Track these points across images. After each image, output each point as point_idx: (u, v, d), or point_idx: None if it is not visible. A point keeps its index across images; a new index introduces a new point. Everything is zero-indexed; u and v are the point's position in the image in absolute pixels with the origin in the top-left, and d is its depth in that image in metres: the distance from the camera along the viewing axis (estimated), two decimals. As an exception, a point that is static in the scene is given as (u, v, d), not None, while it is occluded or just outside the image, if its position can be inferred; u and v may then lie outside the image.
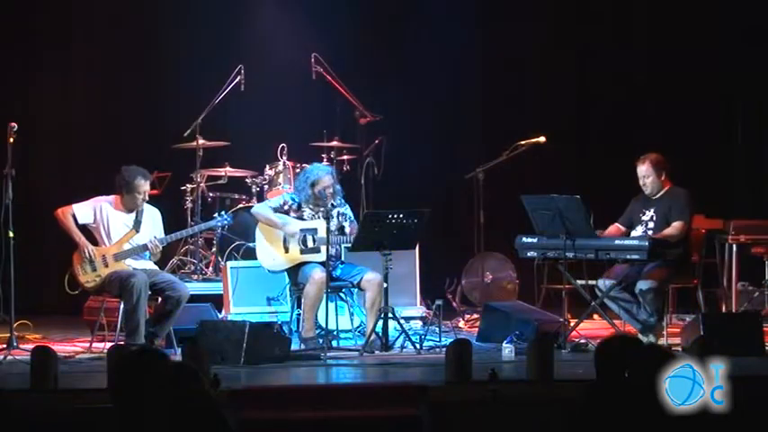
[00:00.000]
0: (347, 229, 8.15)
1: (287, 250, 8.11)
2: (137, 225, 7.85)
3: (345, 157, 9.87)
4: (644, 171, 8.13)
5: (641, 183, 8.16)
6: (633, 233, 8.12)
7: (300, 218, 8.16)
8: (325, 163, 8.96)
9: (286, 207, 8.18)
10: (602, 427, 4.32)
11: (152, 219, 7.96)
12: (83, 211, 7.83)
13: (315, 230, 8.05)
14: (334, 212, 8.10)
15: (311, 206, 8.13)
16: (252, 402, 6.03)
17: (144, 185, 7.84)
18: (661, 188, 8.15)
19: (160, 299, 7.78)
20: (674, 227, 7.98)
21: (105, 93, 10.37)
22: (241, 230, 9.64)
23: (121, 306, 7.75)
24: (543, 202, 7.98)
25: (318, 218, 8.09)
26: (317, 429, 6.08)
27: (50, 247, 8.55)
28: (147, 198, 7.91)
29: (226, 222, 8.34)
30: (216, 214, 8.34)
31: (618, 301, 8.07)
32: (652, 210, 8.13)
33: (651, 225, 8.10)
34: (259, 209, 8.29)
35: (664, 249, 7.85)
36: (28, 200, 7.96)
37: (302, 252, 8.08)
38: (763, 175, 10.79)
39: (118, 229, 7.84)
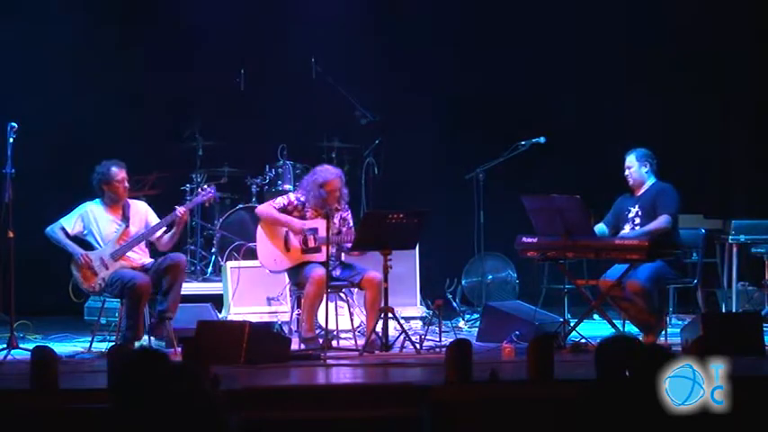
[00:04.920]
0: (344, 234, 8.13)
1: (288, 249, 8.11)
2: (126, 221, 7.90)
3: (345, 157, 9.88)
4: (628, 162, 8.24)
5: (626, 173, 8.21)
6: (622, 232, 8.14)
7: (302, 218, 8.15)
8: (334, 166, 8.85)
9: (290, 207, 8.17)
10: (603, 427, 4.31)
11: (139, 212, 8.02)
12: (71, 222, 7.89)
13: (315, 230, 8.04)
14: (337, 216, 8.10)
15: (315, 207, 8.10)
16: (252, 402, 6.02)
17: (119, 173, 7.89)
18: (644, 181, 8.19)
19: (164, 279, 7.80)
20: (660, 220, 8.00)
21: (105, 92, 10.36)
22: (241, 230, 9.66)
23: (120, 306, 7.78)
24: (543, 202, 7.99)
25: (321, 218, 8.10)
26: (317, 429, 6.07)
27: (50, 247, 8.54)
28: (127, 186, 7.96)
29: (211, 195, 8.32)
30: (199, 189, 8.36)
31: (618, 301, 8.08)
32: (636, 206, 8.17)
33: (637, 221, 8.13)
34: (263, 209, 8.27)
35: (660, 249, 7.85)
36: (28, 200, 7.95)
37: (303, 252, 8.08)
38: (763, 175, 10.79)
39: (109, 230, 7.89)
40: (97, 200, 7.96)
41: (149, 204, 8.32)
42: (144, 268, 7.84)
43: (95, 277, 7.75)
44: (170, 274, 7.75)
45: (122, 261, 7.82)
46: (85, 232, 7.91)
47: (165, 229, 7.94)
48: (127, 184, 7.98)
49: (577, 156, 10.57)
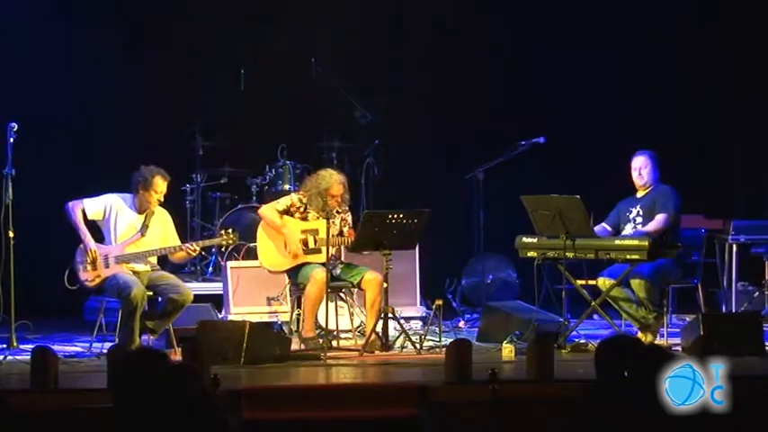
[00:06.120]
0: (345, 234, 8.14)
1: (288, 250, 8.11)
2: (143, 229, 7.82)
3: (345, 157, 9.88)
4: (642, 162, 8.25)
5: (637, 174, 8.25)
6: (624, 232, 8.15)
7: (304, 219, 8.16)
8: (337, 170, 8.79)
9: (293, 209, 8.17)
10: (603, 427, 4.31)
11: (161, 222, 7.92)
12: (93, 207, 7.79)
13: (316, 231, 8.05)
14: (338, 218, 8.10)
15: (317, 209, 8.11)
16: (252, 402, 6.02)
17: (161, 185, 7.80)
18: (651, 183, 8.21)
19: (162, 299, 7.75)
20: (658, 219, 8.06)
21: (105, 92, 10.35)
22: (241, 230, 9.64)
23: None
24: (543, 202, 7.99)
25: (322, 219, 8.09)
26: (317, 429, 6.08)
27: (51, 247, 8.54)
28: (162, 199, 7.87)
29: (231, 244, 8.23)
30: (223, 232, 8.11)
31: (618, 301, 8.08)
32: (638, 206, 8.21)
33: (639, 220, 8.17)
34: (266, 211, 8.26)
35: (661, 249, 7.85)
36: (28, 200, 7.94)
37: (304, 252, 8.08)
38: (763, 175, 10.79)
39: (125, 230, 7.81)
40: (129, 195, 7.87)
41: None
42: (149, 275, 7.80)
43: (94, 272, 7.72)
44: (169, 305, 7.66)
45: (124, 267, 7.77)
46: (102, 222, 7.86)
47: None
48: (162, 198, 7.86)
49: (577, 156, 10.57)
